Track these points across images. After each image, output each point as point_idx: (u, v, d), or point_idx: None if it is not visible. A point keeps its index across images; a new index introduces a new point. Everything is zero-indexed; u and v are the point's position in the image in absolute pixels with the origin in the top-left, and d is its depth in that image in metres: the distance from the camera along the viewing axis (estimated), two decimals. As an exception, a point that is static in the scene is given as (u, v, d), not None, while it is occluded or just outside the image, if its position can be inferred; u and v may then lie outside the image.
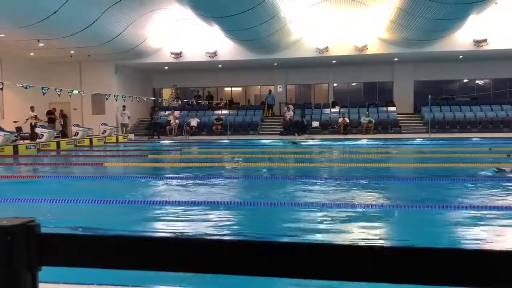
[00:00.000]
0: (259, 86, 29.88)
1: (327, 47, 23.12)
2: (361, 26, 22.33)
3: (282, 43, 22.19)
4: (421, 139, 20.44)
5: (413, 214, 6.04)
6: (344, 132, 23.49)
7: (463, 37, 21.66)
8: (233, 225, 5.79)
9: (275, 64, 26.16)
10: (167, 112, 26.50)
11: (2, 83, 14.68)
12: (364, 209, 6.14)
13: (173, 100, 29.14)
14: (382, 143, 19.03)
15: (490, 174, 9.19)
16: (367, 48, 23.00)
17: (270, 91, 27.65)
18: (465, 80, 28.02)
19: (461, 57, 24.25)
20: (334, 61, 25.58)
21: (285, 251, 1.21)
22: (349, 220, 5.78)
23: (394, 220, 5.93)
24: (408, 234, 5.28)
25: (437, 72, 26.60)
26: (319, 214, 6.06)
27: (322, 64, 26.29)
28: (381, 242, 4.88)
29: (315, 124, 24.78)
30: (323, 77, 28.03)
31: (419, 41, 20.92)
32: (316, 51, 23.28)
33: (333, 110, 26.34)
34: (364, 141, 20.24)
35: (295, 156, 15.37)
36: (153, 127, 24.95)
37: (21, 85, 15.60)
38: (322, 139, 21.22)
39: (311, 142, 20.12)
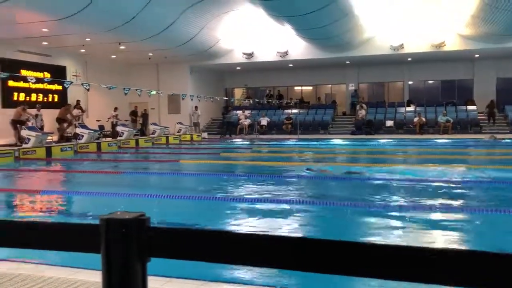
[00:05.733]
0: (330, 85, 29.55)
1: (402, 44, 22.37)
2: (438, 22, 21.35)
3: (355, 41, 21.79)
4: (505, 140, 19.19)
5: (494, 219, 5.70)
6: (420, 132, 22.62)
7: (554, 30, 20.02)
8: (300, 224, 5.79)
9: (347, 62, 25.73)
10: (238, 112, 26.96)
11: (89, 84, 15.69)
12: (438, 213, 5.92)
13: (244, 100, 29.59)
14: (460, 143, 18.13)
15: None
16: (445, 45, 21.96)
17: (355, 90, 27.25)
18: (556, 77, 25.90)
19: (551, 51, 22.45)
20: (409, 59, 24.71)
21: (351, 251, 1.23)
22: (423, 223, 5.59)
23: (474, 225, 5.63)
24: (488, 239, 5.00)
25: (523, 69, 24.82)
26: (393, 216, 5.92)
27: (397, 61, 25.48)
28: (458, 246, 4.65)
29: (389, 123, 24.08)
30: (397, 75, 27.15)
31: (504, 36, 19.62)
32: (390, 49, 22.61)
33: (408, 109, 25.45)
34: (441, 141, 19.37)
35: (369, 156, 15.03)
36: (225, 126, 25.50)
37: (105, 86, 16.57)
38: (397, 139, 20.58)
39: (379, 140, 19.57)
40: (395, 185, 8.30)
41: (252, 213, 6.28)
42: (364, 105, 25.43)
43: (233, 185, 8.85)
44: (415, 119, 23.25)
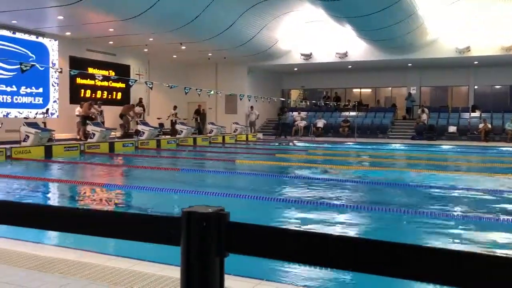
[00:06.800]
0: (390, 88, 28.78)
1: (468, 47, 21.37)
2: (509, 23, 20.22)
3: (418, 43, 21.09)
4: None
5: None
6: (486, 139, 21.54)
7: None
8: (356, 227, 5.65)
9: (409, 64, 24.95)
10: (293, 113, 26.87)
11: (152, 83, 16.19)
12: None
13: (301, 101, 29.43)
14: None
15: None
16: (516, 47, 20.76)
17: (410, 94, 26.39)
18: None
19: None
20: (476, 62, 23.58)
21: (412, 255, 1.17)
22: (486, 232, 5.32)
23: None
24: None
25: None
26: (455, 224, 5.68)
27: (462, 65, 24.40)
28: None
29: (452, 129, 23.12)
30: (462, 79, 25.99)
31: None
32: (455, 51, 21.67)
33: (473, 114, 24.32)
34: (509, 149, 18.32)
35: (429, 162, 14.47)
36: (280, 127, 25.48)
37: (167, 85, 17.03)
38: (460, 146, 19.73)
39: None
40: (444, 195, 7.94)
41: (299, 214, 6.26)
42: (425, 109, 24.55)
43: (284, 185, 8.85)
44: (480, 126, 22.18)
